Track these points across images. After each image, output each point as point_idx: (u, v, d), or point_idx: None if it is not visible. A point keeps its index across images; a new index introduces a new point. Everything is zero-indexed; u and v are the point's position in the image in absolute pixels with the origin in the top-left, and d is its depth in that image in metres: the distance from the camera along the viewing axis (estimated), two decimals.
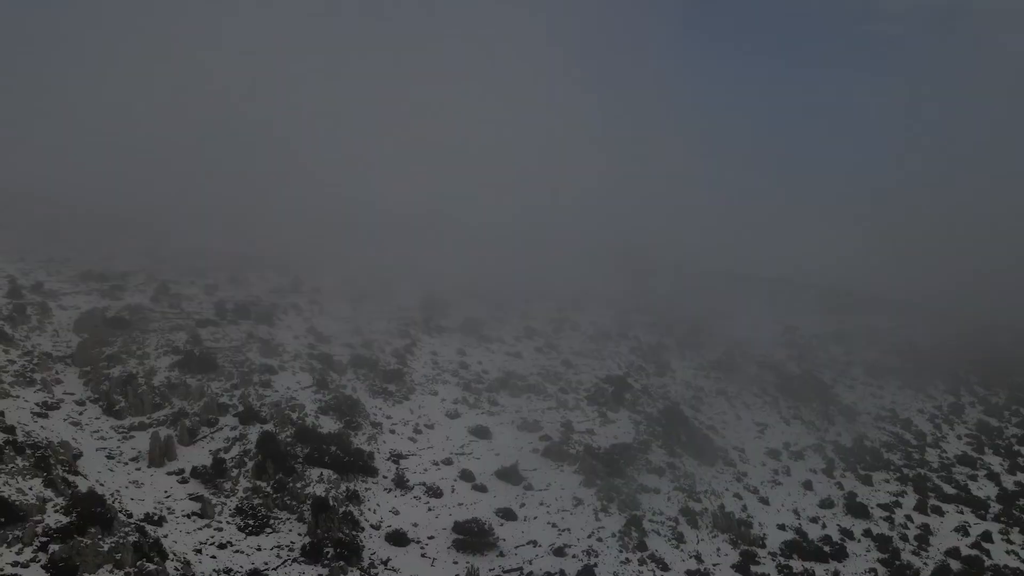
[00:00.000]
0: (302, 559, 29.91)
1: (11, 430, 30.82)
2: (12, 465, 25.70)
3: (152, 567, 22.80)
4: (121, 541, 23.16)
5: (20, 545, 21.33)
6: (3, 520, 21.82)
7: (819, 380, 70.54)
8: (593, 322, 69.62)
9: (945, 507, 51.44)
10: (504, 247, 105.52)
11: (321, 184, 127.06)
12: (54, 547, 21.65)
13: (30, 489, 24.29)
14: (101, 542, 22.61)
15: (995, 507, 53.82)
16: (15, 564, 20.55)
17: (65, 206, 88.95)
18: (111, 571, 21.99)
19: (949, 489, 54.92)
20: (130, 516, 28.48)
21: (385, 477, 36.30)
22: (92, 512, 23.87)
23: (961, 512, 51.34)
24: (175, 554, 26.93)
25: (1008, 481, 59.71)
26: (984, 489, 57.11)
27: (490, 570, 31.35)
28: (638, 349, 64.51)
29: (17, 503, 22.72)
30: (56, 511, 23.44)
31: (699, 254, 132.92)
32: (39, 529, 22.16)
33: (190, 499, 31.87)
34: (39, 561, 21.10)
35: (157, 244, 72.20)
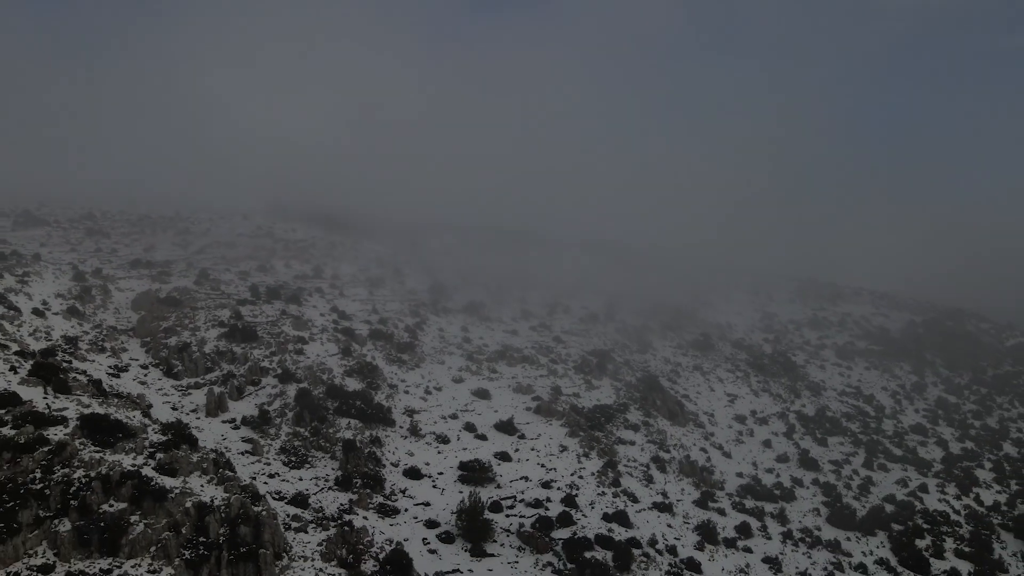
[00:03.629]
0: (336, 487, 36.82)
1: (98, 383, 37.85)
2: (115, 401, 32.72)
3: (230, 474, 29.78)
4: (204, 456, 30.13)
5: (135, 453, 28.22)
6: (120, 435, 28.75)
7: (790, 360, 77.36)
8: (584, 307, 76.50)
9: (891, 465, 58.32)
10: (506, 243, 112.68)
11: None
12: (160, 455, 28.57)
13: (133, 416, 31.27)
14: (191, 455, 29.58)
15: (938, 467, 60.70)
16: (133, 465, 27.39)
17: (97, 205, 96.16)
18: (200, 476, 28.93)
19: (897, 451, 61.78)
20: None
21: (401, 427, 43.26)
22: (182, 434, 30.87)
23: (905, 470, 58.22)
24: (239, 476, 33.89)
25: (956, 447, 66.56)
26: (931, 453, 63.99)
27: (489, 497, 38.20)
28: (623, 330, 71.46)
29: (127, 424, 29.66)
30: (155, 432, 30.36)
31: (695, 249, 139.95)
32: (146, 443, 29.07)
33: (242, 441, 38.86)
34: (150, 465, 27.95)
35: (187, 237, 79.25)
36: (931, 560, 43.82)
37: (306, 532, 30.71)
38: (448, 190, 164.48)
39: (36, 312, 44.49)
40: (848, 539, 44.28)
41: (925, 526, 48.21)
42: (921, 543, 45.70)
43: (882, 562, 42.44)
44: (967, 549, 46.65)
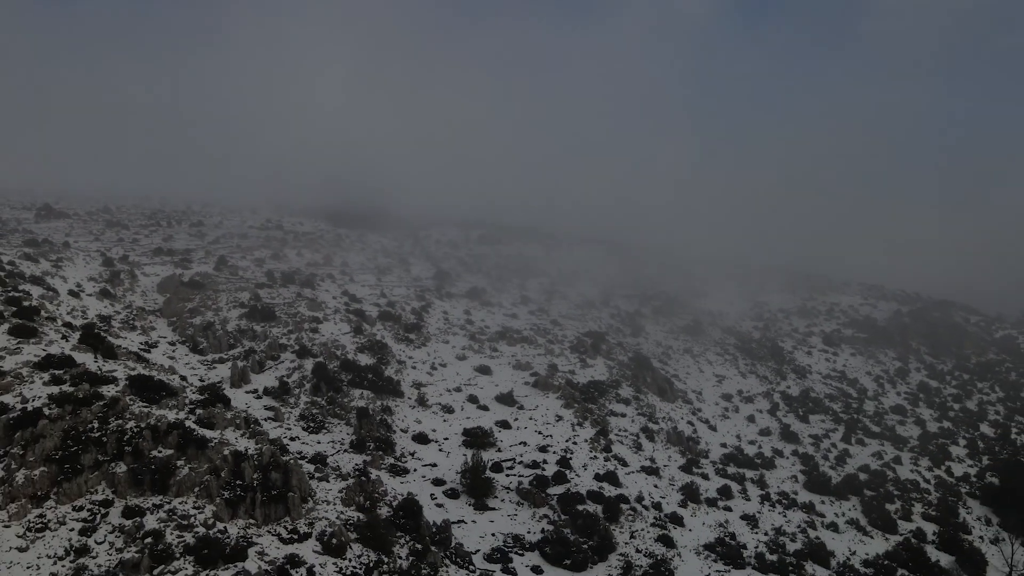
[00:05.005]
0: (351, 450, 40.44)
1: (137, 355, 41.55)
2: (155, 366, 36.38)
3: (260, 429, 33.44)
4: (237, 414, 33.80)
5: (177, 409, 31.90)
6: (164, 394, 32.46)
7: (777, 345, 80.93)
8: (580, 294, 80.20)
9: (868, 440, 61.95)
10: (507, 237, 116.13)
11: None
12: (199, 411, 32.25)
13: (173, 379, 34.95)
14: (225, 412, 33.25)
15: (913, 443, 64.31)
16: (176, 419, 31.03)
17: (112, 200, 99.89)
18: (233, 430, 32.58)
19: (876, 429, 65.40)
20: None
21: (409, 398, 46.92)
22: (216, 394, 34.57)
23: (882, 445, 61.85)
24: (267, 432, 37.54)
25: (933, 427, 70.12)
26: (909, 431, 67.59)
27: (490, 459, 41.88)
28: (617, 315, 75.11)
29: (169, 384, 33.35)
30: (192, 392, 34.07)
31: (692, 243, 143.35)
32: (186, 400, 32.77)
33: (265, 408, 42.48)
34: (191, 419, 31.61)
35: (202, 229, 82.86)
36: (899, 521, 47.52)
37: (327, 481, 34.37)
38: (450, 186, 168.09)
39: (72, 293, 48.15)
40: (822, 502, 47.93)
41: (896, 492, 51.86)
42: (891, 507, 49.34)
43: (853, 522, 46.09)
44: (934, 513, 50.32)
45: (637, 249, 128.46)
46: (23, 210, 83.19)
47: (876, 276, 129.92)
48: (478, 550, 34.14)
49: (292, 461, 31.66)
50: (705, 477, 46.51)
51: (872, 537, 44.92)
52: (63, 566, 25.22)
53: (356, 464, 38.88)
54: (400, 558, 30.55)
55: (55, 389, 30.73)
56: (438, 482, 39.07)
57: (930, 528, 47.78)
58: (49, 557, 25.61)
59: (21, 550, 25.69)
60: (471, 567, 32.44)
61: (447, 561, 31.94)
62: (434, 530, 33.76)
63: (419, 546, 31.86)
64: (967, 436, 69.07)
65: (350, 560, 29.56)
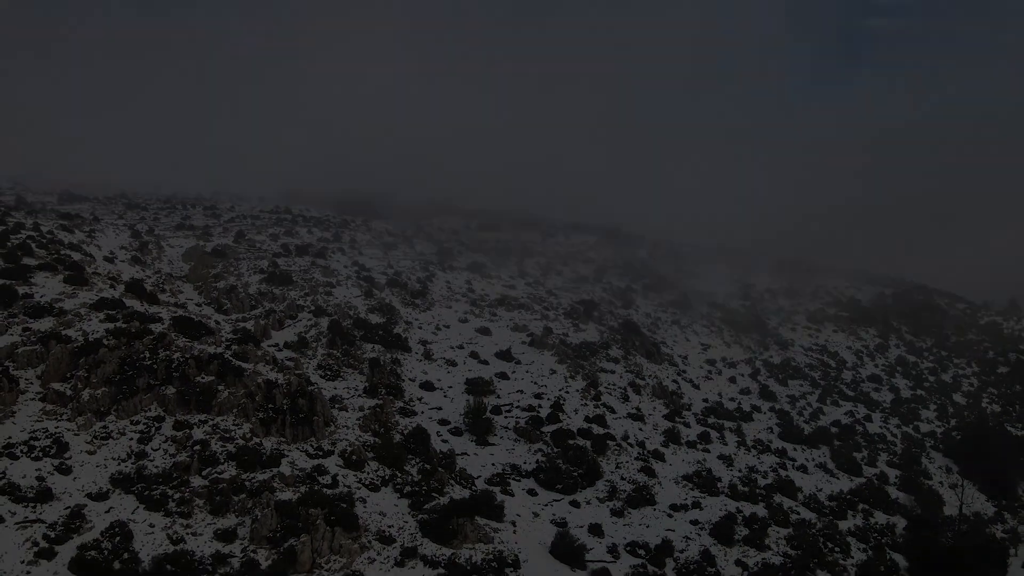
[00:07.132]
0: (364, 395, 44.64)
1: (173, 302, 45.93)
2: (194, 311, 40.83)
3: (287, 364, 37.88)
4: (266, 352, 38.28)
5: (215, 345, 36.37)
6: (203, 332, 36.93)
7: (762, 320, 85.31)
8: (575, 272, 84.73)
9: (843, 402, 66.35)
10: (507, 223, 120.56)
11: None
12: (234, 347, 36.71)
13: (209, 322, 39.38)
14: (256, 350, 37.71)
15: (886, 406, 68.73)
16: (215, 350, 35.48)
17: (127, 187, 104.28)
18: (264, 364, 37.04)
19: (851, 393, 69.79)
20: None
21: (416, 353, 51.31)
22: (248, 336, 39.01)
23: (855, 406, 66.20)
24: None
25: (906, 393, 74.49)
26: (882, 396, 71.97)
27: (490, 404, 46.25)
28: (609, 290, 79.59)
29: (207, 324, 37.79)
30: (227, 334, 38.51)
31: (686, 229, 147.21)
32: (222, 339, 37.22)
33: (286, 360, 46.64)
34: (227, 353, 36.05)
35: (216, 211, 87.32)
36: (864, 467, 51.93)
37: (346, 411, 38.81)
38: (450, 178, 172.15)
39: (107, 259, 52.56)
40: (795, 449, 52.33)
41: (863, 443, 56.33)
42: (858, 455, 53.76)
43: (821, 466, 50.51)
44: (898, 461, 54.76)
45: (632, 235, 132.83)
46: (45, 195, 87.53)
47: (874, 268, 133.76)
48: (479, 476, 38.50)
49: (316, 389, 36.11)
50: (687, 425, 50.89)
51: (838, 478, 49.34)
52: (126, 466, 29.69)
53: (370, 406, 43.22)
54: (411, 475, 34.99)
55: (110, 325, 35.19)
56: (443, 422, 43.42)
57: (893, 473, 52.18)
58: (114, 459, 30.07)
59: (90, 453, 30.16)
60: (473, 488, 36.78)
61: (452, 482, 36.31)
62: (440, 456, 38.19)
63: (428, 466, 36.26)
64: (938, 402, 73.50)
65: (368, 473, 33.99)
